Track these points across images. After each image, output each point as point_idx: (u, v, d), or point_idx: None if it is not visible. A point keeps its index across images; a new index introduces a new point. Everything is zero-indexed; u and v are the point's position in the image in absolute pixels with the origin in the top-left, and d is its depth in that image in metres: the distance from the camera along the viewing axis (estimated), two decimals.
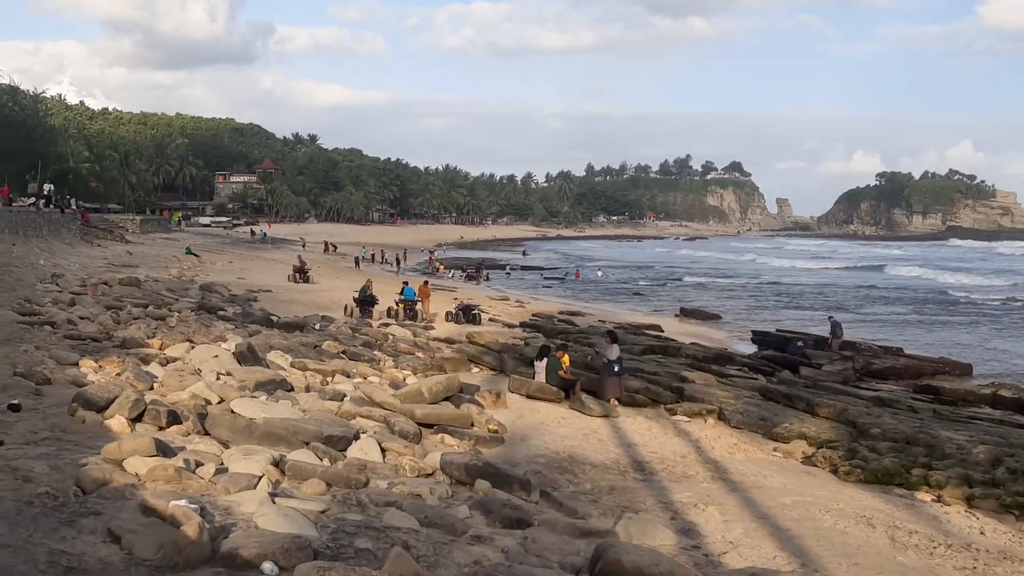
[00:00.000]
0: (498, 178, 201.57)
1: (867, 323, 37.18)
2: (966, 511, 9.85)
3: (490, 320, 28.41)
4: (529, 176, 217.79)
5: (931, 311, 42.81)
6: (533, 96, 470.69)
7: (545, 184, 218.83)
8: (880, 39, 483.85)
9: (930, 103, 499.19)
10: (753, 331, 30.33)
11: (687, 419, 14.37)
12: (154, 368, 11.57)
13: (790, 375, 21.42)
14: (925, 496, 10.37)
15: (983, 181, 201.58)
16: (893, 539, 8.40)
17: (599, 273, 66.42)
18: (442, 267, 60.10)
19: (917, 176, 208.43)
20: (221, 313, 20.75)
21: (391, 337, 20.64)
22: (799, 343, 25.58)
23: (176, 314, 18.89)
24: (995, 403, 18.76)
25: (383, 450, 9.18)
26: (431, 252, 75.04)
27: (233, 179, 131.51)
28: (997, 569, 7.78)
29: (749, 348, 27.73)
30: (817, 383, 19.44)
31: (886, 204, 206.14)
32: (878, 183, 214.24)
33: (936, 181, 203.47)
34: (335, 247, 72.30)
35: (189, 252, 49.47)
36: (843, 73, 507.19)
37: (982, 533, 9.03)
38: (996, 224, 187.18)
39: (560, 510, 8.38)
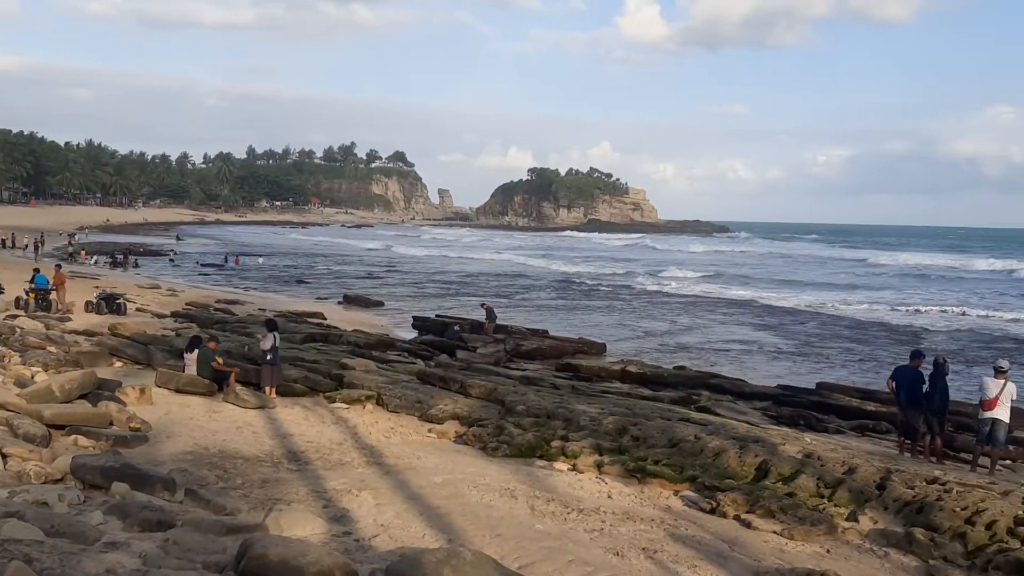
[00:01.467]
0: (150, 157, 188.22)
1: (519, 308, 39.67)
2: (597, 477, 10.81)
3: (137, 310, 26.52)
4: (186, 156, 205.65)
5: (574, 296, 46.66)
6: (191, 72, 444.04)
7: (204, 165, 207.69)
8: (532, 41, 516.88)
9: (575, 105, 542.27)
10: (414, 317, 31.10)
11: (346, 406, 14.39)
12: None
13: (447, 358, 22.26)
14: (562, 466, 11.23)
15: (619, 179, 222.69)
16: (533, 508, 8.99)
17: (260, 260, 64.50)
18: (84, 253, 54.84)
19: (563, 172, 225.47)
20: None
21: (18, 330, 18.49)
22: (456, 328, 26.64)
23: None
24: (624, 378, 20.87)
25: (4, 456, 8.27)
26: (71, 236, 68.21)
27: None
28: (622, 529, 8.60)
29: (411, 334, 28.42)
30: (472, 365, 20.39)
31: (537, 198, 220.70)
32: (530, 178, 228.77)
33: (579, 178, 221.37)
34: None
35: None
36: (500, 71, 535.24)
37: (610, 497, 9.94)
38: (629, 218, 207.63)
39: (207, 508, 8.02)
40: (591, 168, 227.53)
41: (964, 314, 41.61)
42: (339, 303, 38.12)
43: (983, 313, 41.82)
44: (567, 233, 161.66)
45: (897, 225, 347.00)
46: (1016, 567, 7.90)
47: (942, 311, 42.37)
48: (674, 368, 22.87)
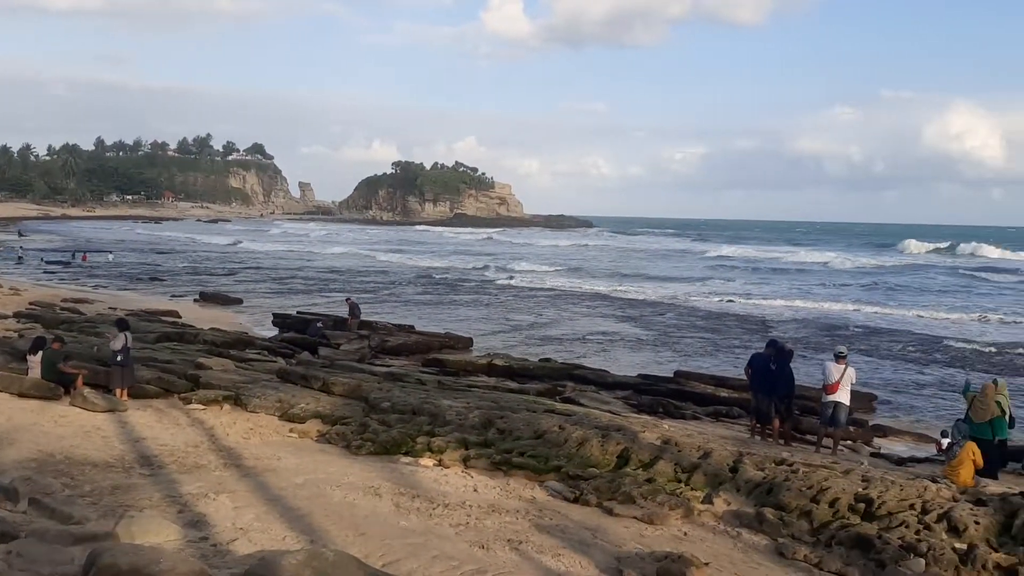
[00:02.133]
0: None
1: (385, 304, 39.31)
2: (463, 471, 10.83)
3: None
4: (28, 148, 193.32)
5: (440, 291, 46.60)
6: (32, 58, 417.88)
7: (48, 157, 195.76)
8: (398, 34, 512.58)
9: (441, 98, 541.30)
10: (274, 314, 30.31)
11: (202, 407, 13.88)
12: None
13: (310, 356, 21.81)
14: (428, 461, 11.19)
15: (484, 173, 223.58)
16: (398, 505, 8.92)
17: (110, 256, 61.44)
18: None
19: (429, 166, 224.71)
20: None
21: None
22: (319, 324, 26.14)
23: None
24: (490, 371, 21.00)
25: None
26: None
27: None
28: (487, 522, 8.64)
29: (271, 332, 27.70)
30: (335, 362, 20.04)
31: (402, 191, 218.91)
32: (395, 171, 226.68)
33: (445, 172, 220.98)
34: None
35: None
36: (364, 63, 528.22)
37: (475, 490, 9.97)
38: (495, 212, 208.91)
39: (53, 517, 7.57)
40: (457, 162, 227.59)
41: (807, 304, 43.93)
42: (195, 301, 36.75)
43: (824, 303, 44.27)
44: (422, 228, 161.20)
45: (750, 219, 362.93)
46: (856, 541, 8.39)
47: (787, 302, 44.57)
48: (540, 361, 23.17)
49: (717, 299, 45.10)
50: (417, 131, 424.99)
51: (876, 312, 40.73)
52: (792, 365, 15.00)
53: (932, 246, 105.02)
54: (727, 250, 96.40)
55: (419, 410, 13.31)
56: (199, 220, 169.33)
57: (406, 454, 11.57)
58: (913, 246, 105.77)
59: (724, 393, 19.87)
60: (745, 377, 15.55)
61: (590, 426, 12.03)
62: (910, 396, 22.51)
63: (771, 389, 14.49)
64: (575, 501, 9.67)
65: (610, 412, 15.20)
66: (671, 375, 22.07)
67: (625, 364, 25.20)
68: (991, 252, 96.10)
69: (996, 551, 8.20)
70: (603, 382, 20.77)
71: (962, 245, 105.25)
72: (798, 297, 47.08)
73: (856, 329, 34.91)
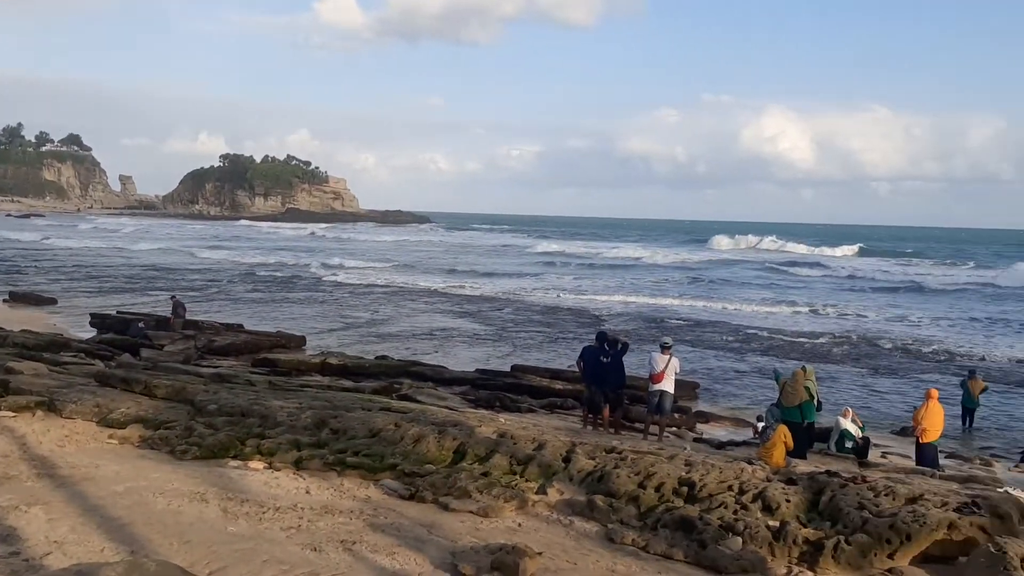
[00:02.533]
0: None
1: (213, 302, 37.86)
2: (295, 474, 10.56)
3: None
4: None
5: (272, 288, 45.32)
6: None
7: None
8: (228, 23, 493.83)
9: (272, 90, 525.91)
10: (92, 314, 28.61)
11: (12, 415, 12.89)
12: None
13: (131, 358, 20.74)
14: (258, 464, 10.84)
15: (318, 167, 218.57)
16: (226, 511, 8.61)
17: None
18: None
19: (259, 159, 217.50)
20: None
21: None
22: (140, 324, 24.89)
23: None
24: (324, 370, 20.62)
25: None
26: None
27: None
28: (320, 523, 8.47)
29: (89, 333, 26.15)
30: (158, 364, 19.12)
31: (231, 185, 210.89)
32: (223, 164, 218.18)
33: (276, 165, 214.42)
34: None
35: None
36: (191, 53, 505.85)
37: (308, 492, 9.75)
38: (330, 207, 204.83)
39: None
40: (289, 155, 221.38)
41: (635, 298, 45.67)
42: (4, 301, 34.18)
43: (651, 298, 46.15)
44: (246, 223, 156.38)
45: (584, 217, 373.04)
46: (680, 523, 8.78)
47: (616, 297, 46.17)
48: (376, 358, 22.97)
49: (552, 294, 46.12)
50: (247, 123, 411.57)
51: (699, 305, 42.83)
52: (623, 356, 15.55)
53: (737, 242, 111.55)
54: (561, 246, 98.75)
55: (248, 412, 12.88)
56: (9, 215, 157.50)
57: (235, 458, 11.17)
58: (720, 242, 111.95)
59: (559, 386, 20.34)
60: (577, 370, 16.00)
61: (426, 423, 12.01)
62: (730, 384, 23.82)
63: (602, 380, 14.97)
64: (411, 498, 9.64)
65: (447, 408, 15.24)
66: (508, 369, 22.38)
67: (463, 360, 25.37)
68: (797, 248, 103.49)
69: (805, 527, 8.77)
70: (440, 378, 20.82)
71: (766, 240, 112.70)
72: (626, 291, 48.85)
73: (680, 321, 36.57)
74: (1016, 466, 16.51)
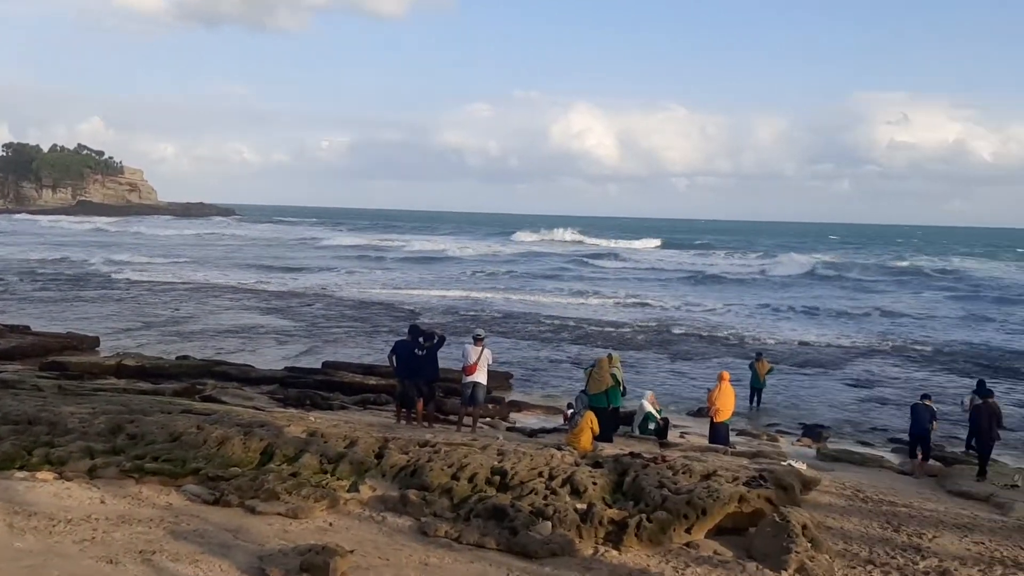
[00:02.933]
0: None
1: None
2: (88, 483, 9.90)
3: None
4: None
5: (61, 286, 42.33)
6: None
7: None
8: (11, 3, 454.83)
9: (62, 76, 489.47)
10: None
11: None
12: None
13: None
14: (47, 475, 10.09)
15: (112, 157, 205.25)
16: (12, 526, 7.98)
17: None
18: None
19: (47, 149, 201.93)
20: None
21: None
22: None
23: None
24: (120, 373, 19.48)
25: None
26: None
27: None
28: (116, 534, 8.00)
29: None
30: None
31: (15, 176, 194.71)
32: (5, 154, 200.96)
33: (66, 155, 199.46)
34: None
35: None
36: None
37: (103, 502, 9.18)
38: (125, 199, 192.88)
39: None
40: (80, 145, 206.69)
41: (449, 292, 46.00)
42: None
43: (468, 292, 46.63)
44: (23, 216, 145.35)
45: (399, 210, 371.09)
46: (492, 511, 8.92)
47: (429, 290, 46.35)
48: (176, 359, 21.94)
49: (364, 288, 45.64)
50: (33, 111, 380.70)
51: (513, 298, 43.67)
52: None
53: (543, 236, 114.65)
54: (373, 239, 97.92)
55: (36, 419, 11.96)
56: None
57: (21, 468, 10.35)
58: (523, 236, 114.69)
59: (372, 381, 20.16)
60: (390, 365, 15.91)
61: (231, 424, 11.59)
62: (542, 373, 24.44)
63: (416, 374, 14.97)
64: (215, 503, 9.27)
65: (254, 408, 14.79)
66: (319, 367, 21.96)
67: (272, 358, 24.66)
68: (600, 241, 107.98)
69: (610, 507, 9.15)
70: (247, 378, 20.15)
71: (558, 230, 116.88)
72: (440, 285, 49.12)
73: (495, 313, 37.17)
74: (798, 440, 17.90)
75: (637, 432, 16.39)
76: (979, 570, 8.62)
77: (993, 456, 15.11)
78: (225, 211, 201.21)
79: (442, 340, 15.50)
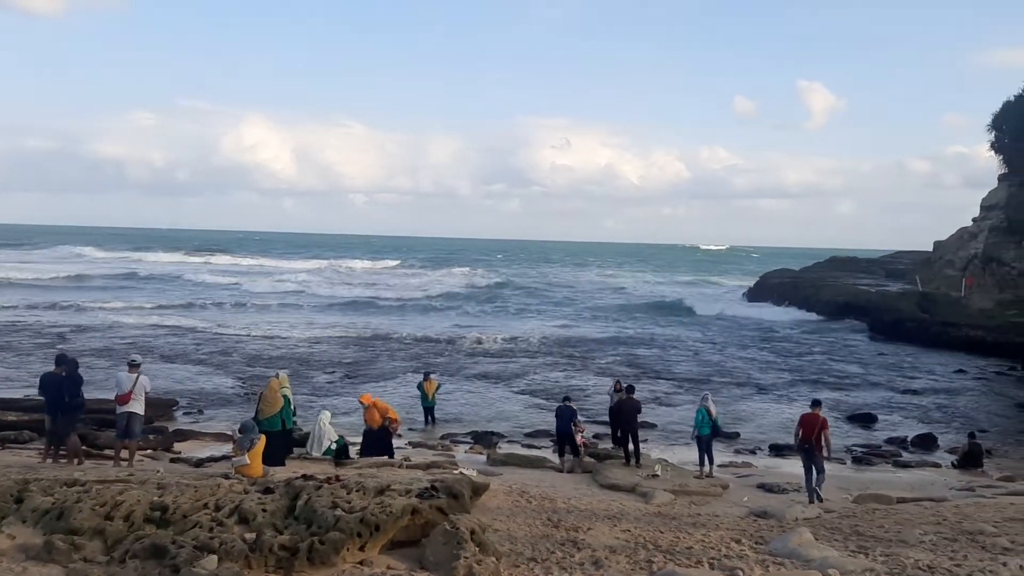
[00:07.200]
0: None
1: None
2: None
3: None
4: None
5: None
6: None
7: None
8: None
9: None
10: None
11: None
12: None
13: None
14: None
15: None
16: None
17: None
18: None
19: None
20: None
21: None
22: None
23: None
24: None
25: None
26: None
27: None
28: None
29: None
30: None
31: None
32: None
33: None
34: None
35: None
36: None
37: None
38: None
39: None
40: None
41: (98, 316, 42.59)
42: None
43: (123, 316, 43.39)
44: None
45: (44, 224, 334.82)
46: (151, 550, 8.30)
47: (81, 314, 42.58)
48: None
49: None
50: None
51: (178, 321, 41.24)
52: (86, 376, 14.20)
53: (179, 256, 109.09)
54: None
55: None
56: None
57: None
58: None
59: (12, 416, 18.02)
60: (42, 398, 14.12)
61: None
62: (213, 399, 23.24)
63: (67, 407, 13.54)
64: None
65: None
66: None
67: None
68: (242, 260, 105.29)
69: (281, 533, 8.88)
70: None
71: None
72: (88, 306, 45.34)
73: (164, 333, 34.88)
74: (471, 448, 18.65)
75: (315, 453, 15.97)
76: (626, 556, 9.44)
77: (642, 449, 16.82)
78: None
79: (74, 363, 13.98)
